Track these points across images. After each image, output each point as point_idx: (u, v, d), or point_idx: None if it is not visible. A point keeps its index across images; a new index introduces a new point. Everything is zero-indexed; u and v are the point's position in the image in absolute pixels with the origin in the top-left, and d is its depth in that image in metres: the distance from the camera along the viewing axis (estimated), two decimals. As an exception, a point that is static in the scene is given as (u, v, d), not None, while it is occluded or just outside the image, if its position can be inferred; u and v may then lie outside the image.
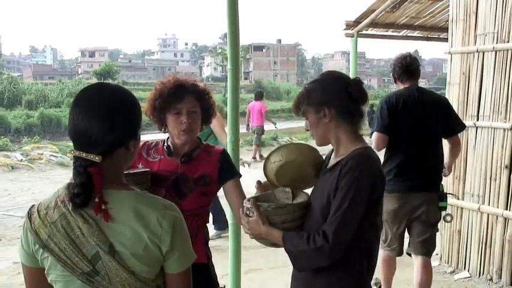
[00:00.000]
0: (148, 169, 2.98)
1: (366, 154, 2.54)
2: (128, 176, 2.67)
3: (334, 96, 2.57)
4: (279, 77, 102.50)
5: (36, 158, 16.01)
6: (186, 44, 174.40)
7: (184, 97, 2.99)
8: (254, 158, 17.24)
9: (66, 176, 14.09)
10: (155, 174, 2.97)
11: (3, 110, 36.25)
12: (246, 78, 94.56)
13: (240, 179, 3.17)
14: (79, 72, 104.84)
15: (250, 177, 3.35)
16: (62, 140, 24.82)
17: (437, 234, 5.28)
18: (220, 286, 3.24)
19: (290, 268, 2.83)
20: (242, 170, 4.07)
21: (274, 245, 2.63)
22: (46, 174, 14.64)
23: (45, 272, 1.89)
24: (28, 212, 1.90)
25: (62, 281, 1.86)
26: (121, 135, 1.89)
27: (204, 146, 3.17)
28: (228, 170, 3.12)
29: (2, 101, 40.14)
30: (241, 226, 2.72)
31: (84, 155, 1.83)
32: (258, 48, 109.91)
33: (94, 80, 58.41)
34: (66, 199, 1.85)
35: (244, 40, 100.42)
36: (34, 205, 1.92)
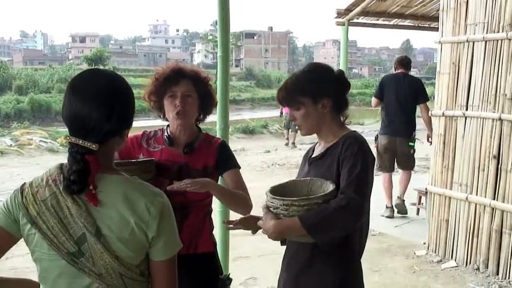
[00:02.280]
0: (153, 158, 2.97)
1: (358, 135, 2.63)
2: (134, 165, 2.67)
3: (331, 87, 2.64)
4: (270, 65, 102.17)
5: (26, 144, 15.97)
6: (177, 30, 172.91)
7: (180, 81, 2.98)
8: (293, 143, 18.42)
9: (56, 161, 13.88)
10: (158, 164, 2.94)
11: (-7, 95, 36.04)
12: (237, 66, 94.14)
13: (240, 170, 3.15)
14: (69, 58, 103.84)
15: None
16: (52, 125, 24.73)
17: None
18: (225, 273, 3.19)
19: (278, 256, 2.83)
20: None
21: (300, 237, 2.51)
22: (36, 160, 14.60)
23: (30, 248, 1.90)
24: (21, 187, 1.92)
25: (46, 260, 1.87)
26: (118, 125, 1.92)
27: (204, 136, 3.15)
28: (226, 161, 3.10)
29: (-8, 86, 39.97)
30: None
31: (81, 142, 1.85)
32: (250, 35, 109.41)
33: (85, 66, 57.97)
34: (58, 179, 1.87)
35: (235, 27, 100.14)
36: (26, 182, 1.94)
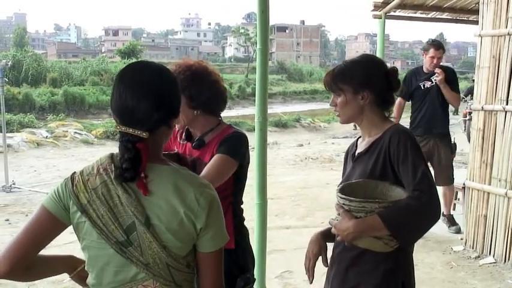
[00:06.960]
0: (176, 151, 3.00)
1: (405, 128, 2.64)
2: None
3: (375, 81, 2.61)
4: (302, 59, 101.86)
5: (61, 136, 16.21)
6: (209, 23, 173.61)
7: None
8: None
9: (91, 153, 14.29)
10: (180, 158, 2.91)
11: (28, 87, 36.42)
12: (268, 59, 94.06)
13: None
14: (102, 51, 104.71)
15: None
16: (86, 117, 25.05)
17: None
18: (247, 272, 3.09)
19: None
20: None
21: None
22: (71, 152, 14.83)
23: (80, 236, 1.93)
24: (71, 176, 1.94)
25: (95, 248, 1.90)
26: (166, 114, 1.94)
27: (222, 129, 3.05)
28: (222, 145, 2.89)
29: (27, 79, 40.32)
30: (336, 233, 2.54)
31: (131, 130, 1.86)
32: (281, 29, 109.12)
33: (118, 59, 58.54)
34: (109, 168, 1.89)
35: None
36: (76, 171, 1.96)
